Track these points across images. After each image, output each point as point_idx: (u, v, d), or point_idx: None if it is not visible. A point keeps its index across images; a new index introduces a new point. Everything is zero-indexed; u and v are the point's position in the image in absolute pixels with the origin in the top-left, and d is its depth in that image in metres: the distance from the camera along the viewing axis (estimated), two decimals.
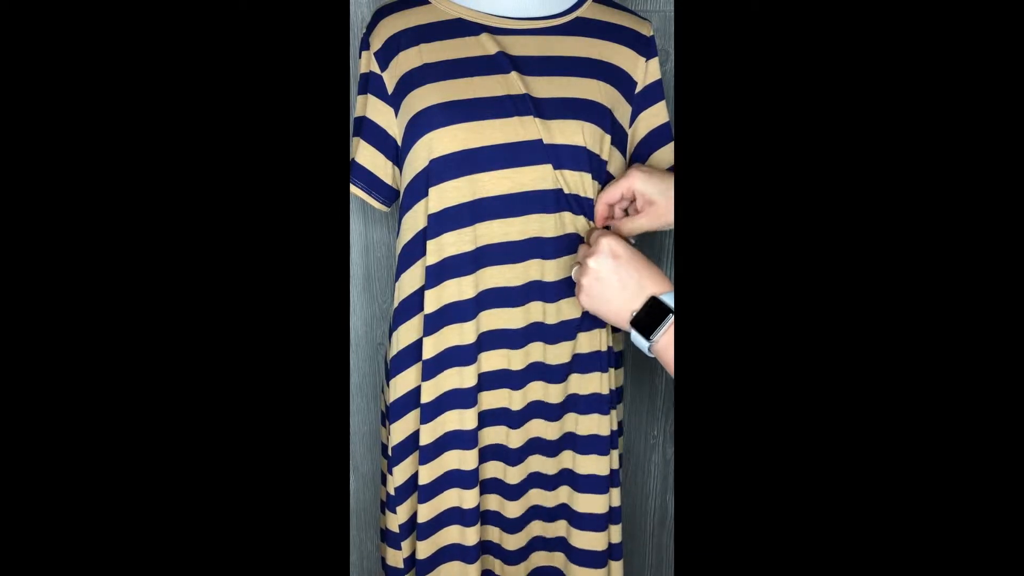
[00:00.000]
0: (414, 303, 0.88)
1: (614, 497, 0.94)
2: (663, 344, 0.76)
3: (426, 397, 0.88)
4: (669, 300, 0.76)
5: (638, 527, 1.35)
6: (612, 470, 0.93)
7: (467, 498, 0.91)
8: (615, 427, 0.94)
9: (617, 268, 0.79)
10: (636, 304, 0.78)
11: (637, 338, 0.78)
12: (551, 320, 0.89)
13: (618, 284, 0.79)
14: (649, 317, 0.77)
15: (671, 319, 0.75)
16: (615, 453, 0.94)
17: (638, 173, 0.83)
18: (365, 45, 0.89)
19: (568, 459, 0.94)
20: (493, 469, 0.94)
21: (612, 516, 0.94)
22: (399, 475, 0.92)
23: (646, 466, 1.32)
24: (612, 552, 0.96)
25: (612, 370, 0.93)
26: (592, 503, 0.93)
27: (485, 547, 0.98)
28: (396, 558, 0.96)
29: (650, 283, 0.78)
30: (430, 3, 0.88)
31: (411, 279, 0.88)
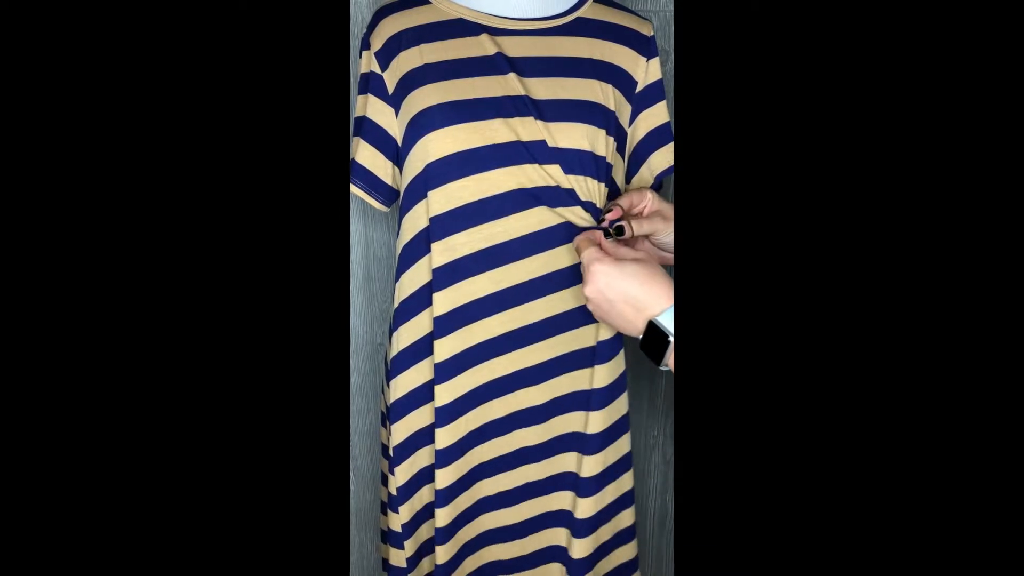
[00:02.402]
0: (416, 303, 0.88)
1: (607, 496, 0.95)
2: (673, 363, 0.74)
3: (442, 400, 0.87)
4: (668, 319, 0.74)
5: (638, 527, 1.34)
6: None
7: (504, 481, 0.91)
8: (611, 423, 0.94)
9: (613, 295, 0.77)
10: (639, 326, 0.76)
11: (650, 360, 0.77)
12: (569, 307, 0.89)
13: (618, 312, 0.78)
14: (652, 342, 0.75)
15: (671, 343, 0.72)
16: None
17: (654, 193, 0.88)
18: (365, 45, 0.89)
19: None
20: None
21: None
22: (400, 475, 0.92)
23: (646, 466, 1.32)
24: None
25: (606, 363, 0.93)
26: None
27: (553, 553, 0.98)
28: (399, 558, 0.96)
29: (649, 299, 0.75)
30: (431, 3, 0.88)
31: (412, 279, 0.88)
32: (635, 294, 0.76)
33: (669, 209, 0.87)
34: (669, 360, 0.74)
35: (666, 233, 0.86)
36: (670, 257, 0.89)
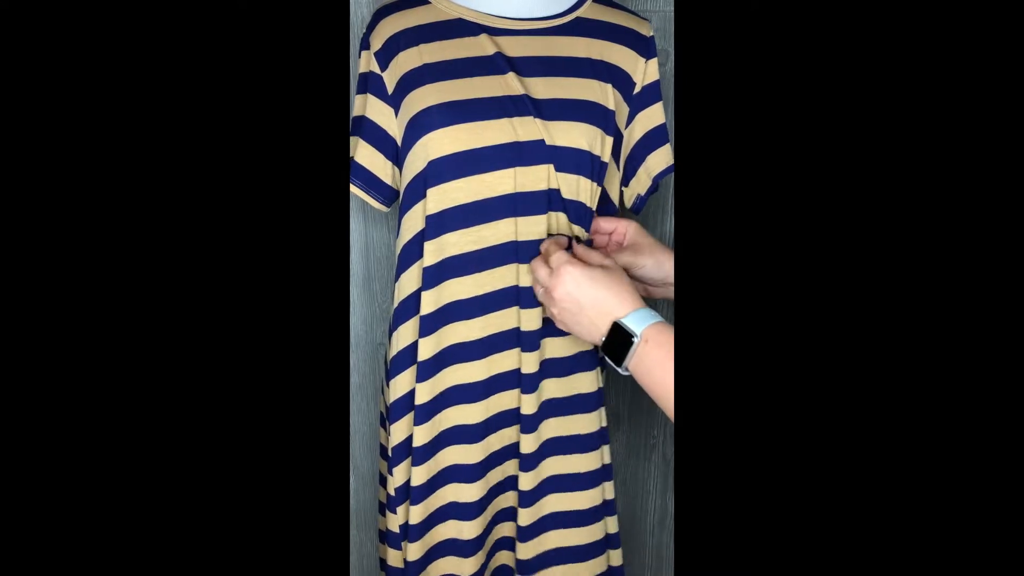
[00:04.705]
0: (413, 303, 0.88)
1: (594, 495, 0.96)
2: (634, 366, 0.75)
3: (421, 398, 0.88)
4: (632, 321, 0.75)
5: (638, 527, 1.34)
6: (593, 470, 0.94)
7: (467, 492, 0.91)
8: (596, 427, 0.94)
9: (579, 295, 0.78)
10: (602, 329, 0.77)
11: (611, 362, 0.78)
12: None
13: (584, 315, 0.79)
14: (615, 343, 0.76)
15: (635, 343, 0.74)
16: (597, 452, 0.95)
17: (635, 224, 0.89)
18: (365, 45, 0.89)
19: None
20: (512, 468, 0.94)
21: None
22: (399, 476, 0.92)
23: (646, 466, 1.32)
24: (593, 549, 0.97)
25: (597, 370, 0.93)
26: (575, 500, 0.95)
27: (501, 543, 0.98)
28: (397, 558, 0.95)
29: (614, 304, 0.77)
30: (430, 3, 0.88)
31: (411, 279, 0.88)
32: (602, 297, 0.78)
33: (648, 242, 0.88)
34: (632, 361, 0.75)
35: (643, 267, 0.87)
36: (653, 290, 0.89)
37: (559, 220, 0.86)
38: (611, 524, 0.98)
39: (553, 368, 0.91)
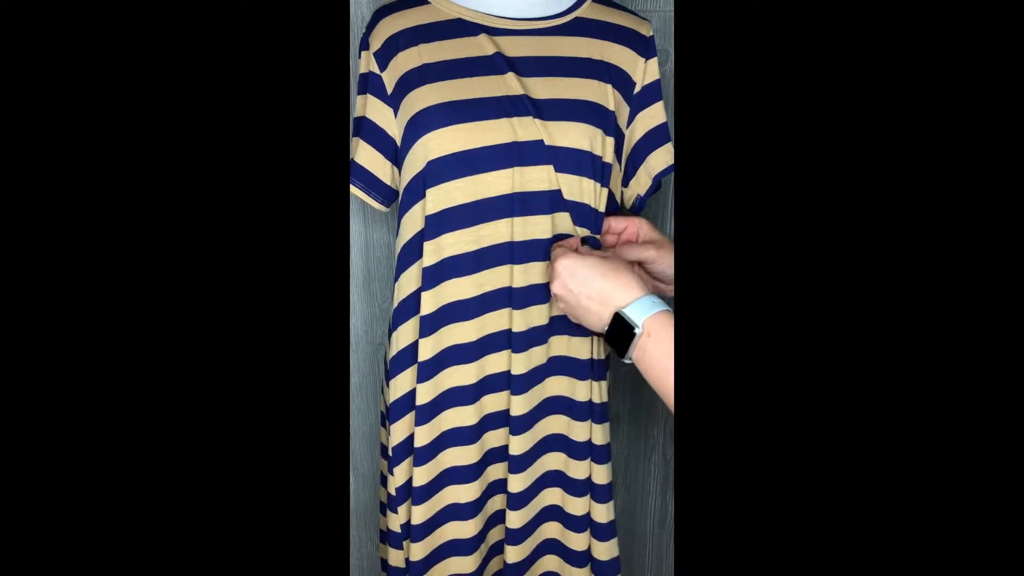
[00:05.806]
0: (413, 303, 0.88)
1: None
2: (636, 358, 0.74)
3: (422, 399, 0.88)
4: (634, 311, 0.74)
5: (638, 527, 1.35)
6: (591, 479, 0.95)
7: (465, 493, 0.91)
8: (596, 439, 0.94)
9: (578, 288, 0.78)
10: (604, 318, 0.77)
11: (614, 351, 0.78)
12: (546, 320, 0.89)
13: (584, 306, 0.78)
14: (617, 334, 0.75)
15: (637, 335, 0.73)
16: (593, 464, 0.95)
17: (647, 222, 0.89)
18: (365, 45, 0.89)
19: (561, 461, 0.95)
20: (500, 471, 0.94)
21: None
22: (400, 475, 0.92)
23: (646, 466, 1.32)
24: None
25: (593, 382, 0.93)
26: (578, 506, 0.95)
27: (493, 548, 0.98)
28: (398, 558, 0.96)
29: (616, 293, 0.76)
30: (429, 3, 0.88)
31: (410, 280, 0.88)
32: (599, 286, 0.77)
33: (663, 239, 0.88)
34: (634, 353, 0.74)
35: (659, 262, 0.86)
36: (666, 288, 0.89)
37: (562, 221, 0.86)
38: (600, 549, 0.96)
39: (550, 366, 0.91)
